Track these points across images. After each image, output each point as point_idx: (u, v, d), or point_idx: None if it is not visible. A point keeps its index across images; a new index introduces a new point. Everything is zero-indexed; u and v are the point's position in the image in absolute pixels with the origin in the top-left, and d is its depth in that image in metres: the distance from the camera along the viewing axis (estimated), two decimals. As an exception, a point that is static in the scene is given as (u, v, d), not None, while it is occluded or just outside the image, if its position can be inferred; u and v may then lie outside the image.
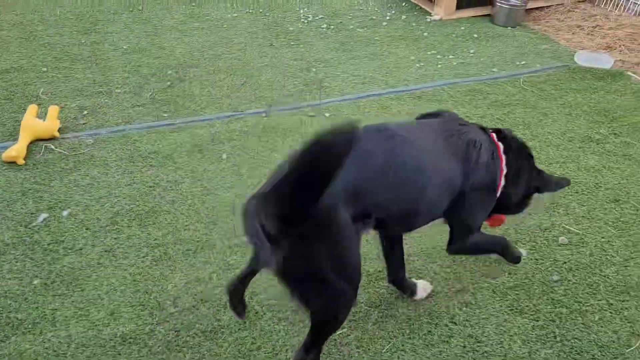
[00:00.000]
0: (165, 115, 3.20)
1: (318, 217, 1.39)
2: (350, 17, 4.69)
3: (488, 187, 1.76)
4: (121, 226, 2.35)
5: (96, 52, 3.91)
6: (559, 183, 1.96)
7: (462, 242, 1.81)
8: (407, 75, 3.76)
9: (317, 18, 4.65)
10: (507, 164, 1.78)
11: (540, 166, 1.96)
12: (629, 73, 3.85)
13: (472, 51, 4.15)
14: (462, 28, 4.53)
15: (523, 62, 3.98)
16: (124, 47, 4.01)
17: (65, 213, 2.37)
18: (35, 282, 2.07)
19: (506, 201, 1.84)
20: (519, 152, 1.85)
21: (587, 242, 2.31)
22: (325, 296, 1.53)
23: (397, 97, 3.47)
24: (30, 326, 1.91)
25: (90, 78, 3.55)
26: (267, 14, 4.74)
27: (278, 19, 4.64)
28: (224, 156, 2.84)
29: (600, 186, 2.67)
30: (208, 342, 1.88)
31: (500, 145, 1.80)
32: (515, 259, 2.05)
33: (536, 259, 2.23)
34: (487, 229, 2.02)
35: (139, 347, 1.86)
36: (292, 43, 4.21)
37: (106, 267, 2.15)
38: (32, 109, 2.91)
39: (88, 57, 3.82)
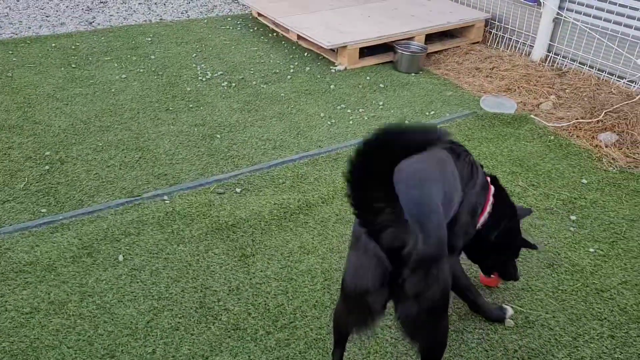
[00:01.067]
0: (44, 210, 2.70)
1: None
2: (252, 72, 4.43)
3: (473, 213, 1.87)
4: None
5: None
6: (532, 245, 2.16)
7: None
8: (320, 135, 3.54)
9: (215, 75, 4.34)
10: (492, 207, 1.94)
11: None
12: (532, 116, 3.91)
13: (381, 103, 4.03)
14: (368, 78, 4.43)
15: (432, 112, 3.92)
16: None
17: None
18: None
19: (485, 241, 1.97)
20: (502, 198, 2.02)
21: (533, 322, 2.16)
22: (445, 318, 1.62)
23: (313, 162, 3.23)
24: None
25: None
26: (160, 72, 4.35)
27: (173, 78, 4.27)
28: (121, 258, 2.40)
29: (532, 250, 2.56)
30: None
31: (492, 188, 1.98)
32: (499, 315, 2.12)
33: (486, 350, 2.03)
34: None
35: None
36: (190, 105, 3.86)
37: None
38: None
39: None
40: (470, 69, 4.80)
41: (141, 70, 4.37)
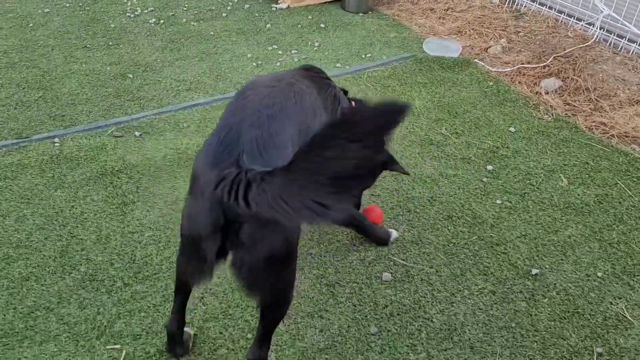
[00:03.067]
0: None
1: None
2: (185, 9, 4.15)
3: None
4: None
5: None
6: (403, 168, 2.01)
7: None
8: (241, 77, 3.32)
9: (145, 11, 4.06)
10: None
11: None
12: (476, 61, 3.68)
13: (317, 44, 3.78)
14: (310, 17, 4.15)
15: (369, 55, 3.68)
16: None
17: None
18: None
19: None
20: None
21: (413, 276, 2.04)
22: (288, 275, 1.44)
23: (222, 107, 3.02)
24: None
25: None
26: (88, 8, 4.07)
27: (99, 14, 3.99)
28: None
29: (435, 200, 2.41)
30: None
31: None
32: (385, 238, 2.09)
33: (354, 305, 1.91)
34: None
35: None
36: (110, 43, 3.61)
37: None
38: None
39: None
40: (424, 10, 4.51)
41: (67, 5, 4.09)
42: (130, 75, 3.26)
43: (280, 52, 3.66)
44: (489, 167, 2.65)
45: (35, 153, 2.55)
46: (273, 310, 1.50)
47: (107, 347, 1.71)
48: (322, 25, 4.04)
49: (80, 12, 4.01)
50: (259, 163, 1.24)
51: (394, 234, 2.15)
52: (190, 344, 1.70)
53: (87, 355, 1.68)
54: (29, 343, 1.71)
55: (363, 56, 3.66)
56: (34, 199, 2.29)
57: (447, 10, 4.52)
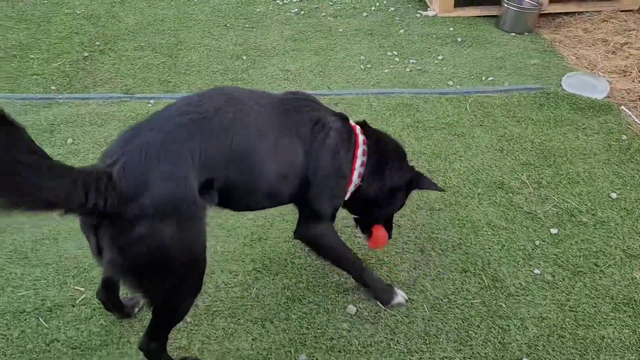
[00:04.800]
0: (53, 88, 3.08)
1: (163, 190, 1.25)
2: (331, 4, 4.25)
3: (336, 171, 1.63)
4: None
5: (47, 13, 3.88)
6: (434, 184, 1.86)
7: (306, 227, 1.69)
8: (341, 77, 3.31)
9: (294, 1, 4.27)
10: (368, 155, 1.70)
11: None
12: (623, 108, 3.08)
13: (440, 57, 3.56)
14: (451, 29, 3.91)
15: (490, 79, 3.34)
16: (78, 11, 3.94)
17: None
18: None
19: (370, 195, 1.76)
20: (385, 145, 1.78)
21: (380, 319, 1.84)
22: (168, 287, 1.37)
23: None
24: None
25: (18, 40, 3.51)
26: (247, -10, 4.43)
27: (254, -3, 4.33)
28: (70, 141, 2.65)
29: (459, 248, 2.12)
30: None
31: (361, 136, 1.71)
32: (384, 298, 1.84)
33: (301, 327, 1.80)
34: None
35: None
36: (247, 26, 3.90)
37: None
38: None
39: (35, 18, 3.80)
40: (594, 41, 3.92)
41: (232, -14, 4.50)
42: (244, 57, 3.48)
43: (397, 59, 3.53)
44: (553, 231, 2.22)
45: (127, 109, 2.91)
46: (156, 319, 1.49)
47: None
48: (458, 39, 3.78)
49: (240, -6, 4.38)
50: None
51: (399, 298, 1.86)
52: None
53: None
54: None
55: (483, 79, 3.34)
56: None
57: (624, 44, 3.85)
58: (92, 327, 1.75)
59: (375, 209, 1.83)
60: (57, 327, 1.74)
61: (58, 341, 1.70)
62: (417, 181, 1.83)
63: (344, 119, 1.72)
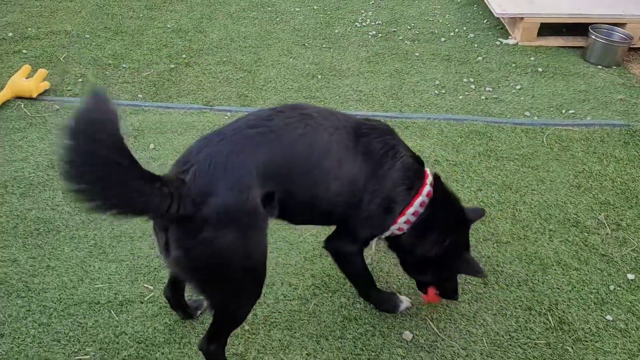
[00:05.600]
0: (140, 96, 3.29)
1: (227, 199, 1.33)
2: (409, 28, 4.28)
3: (385, 201, 1.59)
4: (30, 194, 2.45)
5: (141, 26, 4.16)
6: (481, 271, 1.70)
7: (340, 243, 1.70)
8: (414, 101, 3.31)
9: (372, 24, 4.34)
10: (426, 208, 1.64)
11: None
12: None
13: (518, 87, 3.48)
14: (532, 59, 3.82)
15: (571, 111, 3.22)
16: (169, 25, 4.20)
17: (-24, 167, 2.58)
18: None
19: (406, 247, 1.71)
20: (448, 210, 1.71)
21: (436, 348, 1.81)
22: (228, 291, 1.46)
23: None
24: None
25: (114, 50, 3.79)
26: (329, 12, 4.55)
27: (334, 19, 4.43)
28: (151, 146, 2.82)
29: (525, 285, 2.04)
30: None
31: (428, 187, 1.67)
32: (389, 308, 1.89)
33: (355, 347, 1.80)
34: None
35: None
36: (324, 46, 3.99)
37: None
38: (25, 69, 3.22)
39: (130, 31, 4.08)
40: (690, 78, 3.70)
41: (316, 8, 4.64)
42: (319, 76, 3.56)
43: (473, 86, 3.49)
44: (630, 276, 2.10)
45: (206, 119, 3.05)
46: (217, 320, 1.55)
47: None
48: (540, 70, 3.68)
49: (321, 15, 4.50)
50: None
51: (404, 304, 1.89)
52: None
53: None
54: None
55: (563, 111, 3.23)
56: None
57: None
58: (157, 325, 1.83)
59: (426, 268, 1.77)
60: (126, 321, 1.85)
61: (126, 334, 1.80)
62: (460, 265, 1.72)
63: (418, 159, 1.71)
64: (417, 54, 3.87)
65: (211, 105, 3.21)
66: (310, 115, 1.54)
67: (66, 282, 1.98)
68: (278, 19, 4.41)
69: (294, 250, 2.17)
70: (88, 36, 3.96)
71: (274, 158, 1.42)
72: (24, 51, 3.68)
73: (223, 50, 3.88)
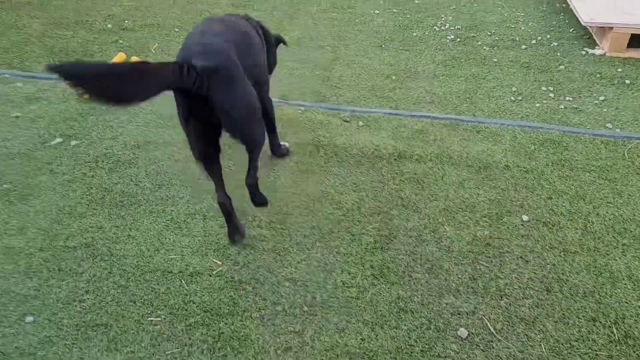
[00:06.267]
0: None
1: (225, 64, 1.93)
2: (489, 34, 4.22)
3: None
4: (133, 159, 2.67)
5: (226, 23, 4.37)
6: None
7: (267, 94, 2.55)
8: (488, 106, 3.27)
9: (451, 28, 4.32)
10: None
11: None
12: None
13: (601, 98, 3.35)
14: (620, 70, 3.66)
15: (654, 125, 3.06)
16: (252, 23, 4.38)
17: (73, 143, 2.83)
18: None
19: None
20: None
21: (491, 348, 1.79)
22: (250, 123, 2.09)
23: (448, 125, 3.07)
24: None
25: (199, 44, 4.01)
26: (409, 16, 4.59)
27: (413, 22, 4.46)
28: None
29: (589, 296, 1.99)
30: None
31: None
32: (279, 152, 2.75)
33: (409, 337, 1.83)
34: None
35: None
36: (401, 48, 4.03)
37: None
38: (120, 56, 3.48)
39: (216, 27, 4.30)
40: None
41: (395, 11, 4.68)
42: (393, 77, 3.60)
43: (551, 94, 3.40)
44: None
45: (281, 112, 3.16)
46: (250, 148, 2.12)
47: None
48: (627, 82, 3.52)
49: (400, 18, 4.53)
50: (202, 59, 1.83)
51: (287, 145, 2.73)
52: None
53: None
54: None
55: (644, 125, 3.08)
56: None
57: None
58: (222, 297, 1.95)
59: None
60: (194, 290, 1.98)
61: (194, 303, 1.93)
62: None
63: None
64: (495, 60, 3.81)
65: (287, 99, 3.33)
66: (232, 21, 2.23)
67: (144, 251, 2.15)
68: (357, 21, 4.48)
69: (356, 242, 2.23)
70: (177, 29, 4.22)
71: (235, 39, 2.05)
72: (120, 41, 3.98)
73: (302, 48, 4.00)
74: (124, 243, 2.18)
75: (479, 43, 4.07)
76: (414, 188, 2.55)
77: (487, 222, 2.35)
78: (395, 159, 2.77)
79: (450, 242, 2.23)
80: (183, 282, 2.02)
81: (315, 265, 2.11)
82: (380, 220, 2.34)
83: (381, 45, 4.06)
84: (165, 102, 2.12)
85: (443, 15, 4.55)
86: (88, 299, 1.94)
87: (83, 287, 1.98)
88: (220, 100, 1.87)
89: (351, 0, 4.89)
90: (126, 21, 4.31)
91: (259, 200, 2.22)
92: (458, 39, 4.13)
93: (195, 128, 1.99)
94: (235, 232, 2.18)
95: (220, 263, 2.10)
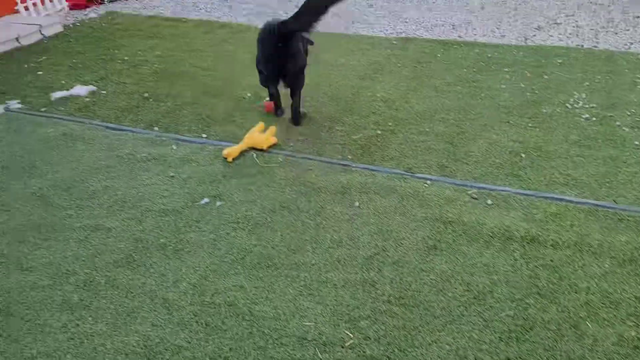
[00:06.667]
0: (350, 157, 3.63)
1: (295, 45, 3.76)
2: (628, 114, 4.06)
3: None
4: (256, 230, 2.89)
5: (354, 95, 4.61)
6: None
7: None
8: (632, 193, 3.10)
9: (585, 106, 4.20)
10: None
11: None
12: None
13: None
14: None
15: None
16: (378, 95, 4.58)
17: (218, 203, 3.10)
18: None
19: None
20: None
21: None
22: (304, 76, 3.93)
23: (586, 210, 2.93)
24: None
25: (329, 113, 4.27)
26: (537, 91, 4.54)
27: (542, 97, 4.41)
28: (357, 204, 3.09)
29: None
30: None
31: None
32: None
33: None
34: None
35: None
36: (530, 125, 3.98)
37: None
38: (260, 126, 3.81)
39: (345, 98, 4.55)
40: None
41: (522, 86, 4.67)
42: (523, 155, 3.55)
43: None
44: None
45: (407, 185, 3.24)
46: (298, 90, 3.94)
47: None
48: None
49: (528, 94, 4.50)
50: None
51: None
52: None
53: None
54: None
55: None
56: (382, 218, 2.99)
57: None
58: (354, 371, 1.99)
59: None
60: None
61: (327, 373, 1.99)
62: None
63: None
64: (636, 143, 3.63)
65: (412, 172, 3.40)
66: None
67: (280, 315, 2.27)
68: (482, 95, 4.51)
69: (489, 328, 2.18)
70: (309, 99, 4.52)
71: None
72: (259, 109, 4.34)
73: (426, 120, 4.10)
74: (263, 304, 2.32)
75: (618, 123, 3.90)
76: (550, 276, 2.46)
77: (634, 322, 2.19)
78: (528, 243, 2.69)
79: (593, 341, 2.10)
80: (317, 350, 2.09)
81: (447, 349, 2.09)
82: (514, 308, 2.27)
83: (508, 121, 4.04)
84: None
85: (575, 92, 4.44)
86: (231, 356, 2.07)
87: (227, 345, 2.12)
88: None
89: (476, 74, 4.94)
90: (263, 91, 4.70)
91: (297, 119, 4.02)
92: (593, 118, 4.00)
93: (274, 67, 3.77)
94: (278, 109, 4.17)
95: (352, 335, 2.15)
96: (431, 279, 2.48)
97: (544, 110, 4.17)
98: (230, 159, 3.56)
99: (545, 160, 3.48)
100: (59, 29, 6.24)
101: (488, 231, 2.79)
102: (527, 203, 3.03)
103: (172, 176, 3.36)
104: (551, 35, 5.84)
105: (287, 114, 4.12)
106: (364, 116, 4.21)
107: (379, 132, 3.97)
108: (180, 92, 4.67)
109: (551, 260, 2.56)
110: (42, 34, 6.03)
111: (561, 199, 3.05)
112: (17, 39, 5.77)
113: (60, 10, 7.02)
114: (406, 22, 6.52)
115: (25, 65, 5.27)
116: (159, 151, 3.66)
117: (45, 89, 4.74)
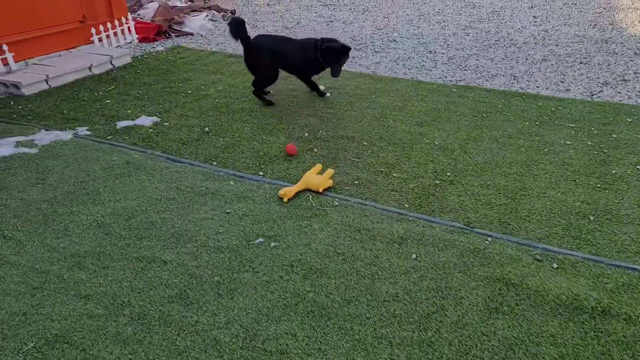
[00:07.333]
0: (406, 205, 3.56)
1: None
2: None
3: None
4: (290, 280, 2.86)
5: (412, 141, 4.56)
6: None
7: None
8: None
9: (659, 168, 4.00)
10: None
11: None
12: None
13: None
14: None
15: None
16: (436, 142, 4.52)
17: (272, 244, 3.08)
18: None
19: None
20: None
21: None
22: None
23: (666, 284, 2.74)
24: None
25: (386, 159, 4.23)
26: (605, 150, 4.37)
27: (611, 158, 4.23)
28: (413, 256, 3.00)
29: None
30: None
31: None
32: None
33: None
34: None
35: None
36: (598, 186, 3.81)
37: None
38: (317, 167, 3.80)
39: (402, 144, 4.51)
40: None
41: (589, 143, 4.51)
42: (591, 217, 3.38)
43: None
44: None
45: (466, 240, 3.13)
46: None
47: None
48: None
49: (595, 152, 4.33)
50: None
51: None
52: None
53: None
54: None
55: None
56: (440, 274, 2.88)
57: None
58: None
59: None
60: None
61: None
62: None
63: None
64: None
65: (472, 227, 3.29)
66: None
67: (332, 369, 2.18)
68: (546, 150, 4.37)
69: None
70: (365, 143, 4.50)
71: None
72: (315, 150, 4.35)
73: (487, 173, 3.99)
74: (315, 357, 2.24)
75: (690, 189, 3.68)
76: (623, 354, 2.28)
77: None
78: (599, 314, 2.52)
79: None
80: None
81: None
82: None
83: (575, 180, 3.88)
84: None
85: (645, 152, 4.23)
86: (281, 411, 1.99)
87: (278, 397, 2.05)
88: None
89: (539, 127, 4.81)
90: (320, 131, 4.72)
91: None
92: (664, 181, 3.78)
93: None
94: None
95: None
96: (493, 345, 2.34)
97: (614, 171, 3.99)
98: (286, 199, 3.55)
99: (616, 225, 3.29)
100: (128, 60, 6.54)
101: (554, 298, 2.63)
102: (597, 270, 2.86)
103: (229, 212, 3.37)
104: (619, 92, 5.66)
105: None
106: (422, 164, 4.15)
107: (437, 181, 3.89)
108: (240, 127, 4.75)
109: (624, 337, 2.38)
110: (112, 65, 6.33)
111: (635, 269, 2.86)
112: (89, 68, 6.07)
113: (130, 42, 7.38)
114: (466, 70, 6.48)
115: (95, 94, 5.52)
116: (216, 186, 3.70)
117: (112, 117, 4.93)
